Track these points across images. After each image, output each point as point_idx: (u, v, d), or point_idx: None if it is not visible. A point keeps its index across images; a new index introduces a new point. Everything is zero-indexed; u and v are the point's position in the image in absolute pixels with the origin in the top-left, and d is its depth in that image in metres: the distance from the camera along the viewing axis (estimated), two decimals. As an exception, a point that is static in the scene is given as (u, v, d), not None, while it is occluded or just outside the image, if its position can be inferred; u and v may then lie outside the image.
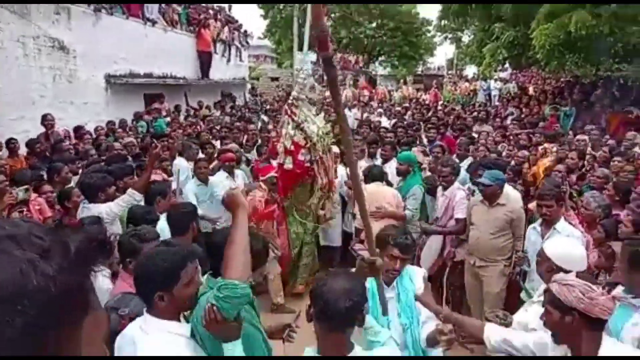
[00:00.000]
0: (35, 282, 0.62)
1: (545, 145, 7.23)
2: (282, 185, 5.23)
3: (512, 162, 6.65)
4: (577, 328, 1.95)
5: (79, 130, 8.43)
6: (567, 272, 2.61)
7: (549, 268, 2.67)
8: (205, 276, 2.16)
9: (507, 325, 2.83)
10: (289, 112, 4.84)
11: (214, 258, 2.14)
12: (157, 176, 5.46)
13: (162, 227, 3.53)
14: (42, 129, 7.84)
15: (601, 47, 11.54)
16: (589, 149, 7.00)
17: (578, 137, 8.13)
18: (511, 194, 4.63)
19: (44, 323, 0.63)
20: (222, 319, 1.79)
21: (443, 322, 2.44)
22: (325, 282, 1.93)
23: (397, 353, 2.30)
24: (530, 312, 2.75)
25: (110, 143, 6.77)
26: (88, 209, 4.05)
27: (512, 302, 4.21)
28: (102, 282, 2.93)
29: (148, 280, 1.95)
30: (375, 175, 5.37)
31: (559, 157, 6.20)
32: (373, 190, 5.09)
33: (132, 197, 4.07)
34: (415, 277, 2.84)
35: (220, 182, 5.85)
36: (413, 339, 2.70)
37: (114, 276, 3.03)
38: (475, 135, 8.56)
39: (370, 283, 2.60)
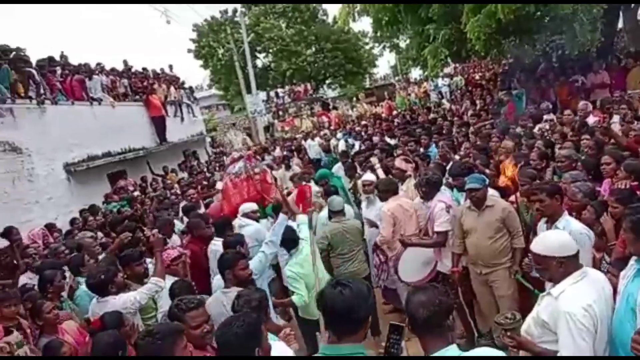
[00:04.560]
0: None
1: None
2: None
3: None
4: None
5: (51, 228, 8.19)
6: (573, 257, 2.60)
7: (557, 264, 2.62)
8: None
9: (518, 325, 2.79)
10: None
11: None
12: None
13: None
14: (12, 237, 7.49)
15: (532, 25, 12.01)
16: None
17: (545, 117, 8.38)
18: (490, 193, 4.56)
19: None
20: None
21: None
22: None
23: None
24: (542, 305, 2.74)
25: (81, 240, 6.24)
26: (105, 303, 3.87)
27: (526, 298, 4.06)
28: None
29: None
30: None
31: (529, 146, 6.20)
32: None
33: (157, 285, 4.07)
34: None
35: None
36: None
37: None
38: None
39: None
